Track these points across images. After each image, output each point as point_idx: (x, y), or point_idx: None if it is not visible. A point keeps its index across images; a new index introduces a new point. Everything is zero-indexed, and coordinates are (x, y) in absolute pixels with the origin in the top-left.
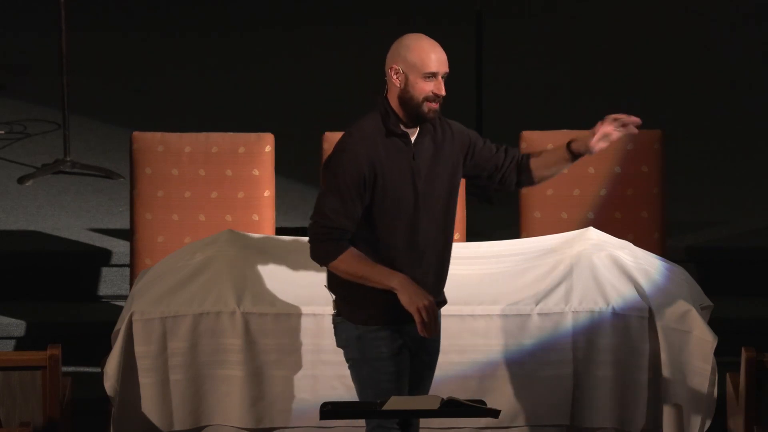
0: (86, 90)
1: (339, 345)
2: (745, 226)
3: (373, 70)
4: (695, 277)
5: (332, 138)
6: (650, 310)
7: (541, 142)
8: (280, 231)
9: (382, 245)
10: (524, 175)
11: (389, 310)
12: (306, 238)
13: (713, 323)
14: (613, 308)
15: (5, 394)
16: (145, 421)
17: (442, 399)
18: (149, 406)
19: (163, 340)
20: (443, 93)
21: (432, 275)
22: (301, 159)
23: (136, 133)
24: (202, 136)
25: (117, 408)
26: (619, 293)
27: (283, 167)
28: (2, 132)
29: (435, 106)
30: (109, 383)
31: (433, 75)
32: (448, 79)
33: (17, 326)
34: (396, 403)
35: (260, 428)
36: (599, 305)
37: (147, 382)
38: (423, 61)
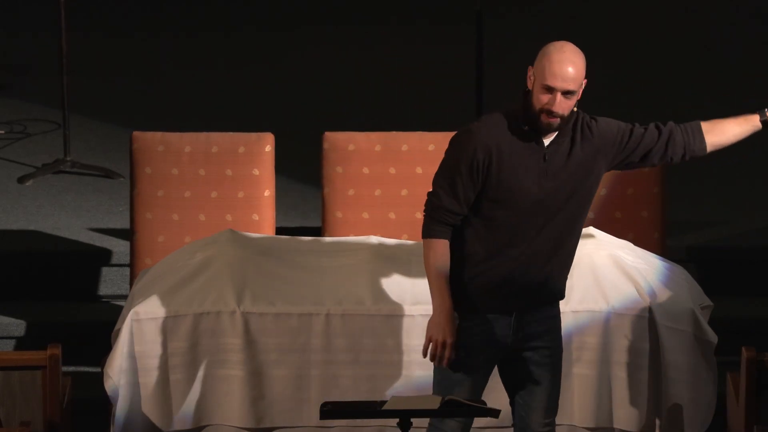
0: (86, 90)
1: None
2: (745, 226)
3: (374, 70)
4: (695, 277)
5: (332, 138)
6: (650, 310)
7: None
8: (280, 231)
9: (487, 235)
10: (695, 143)
11: (475, 299)
12: (307, 238)
13: (713, 323)
14: (613, 308)
15: (5, 394)
16: (145, 421)
17: (442, 399)
18: (149, 406)
19: (163, 340)
20: (555, 109)
21: (536, 278)
22: (301, 159)
23: (136, 133)
24: (203, 135)
25: (117, 408)
26: (619, 293)
27: (283, 167)
28: (2, 132)
29: (552, 120)
30: (109, 383)
31: (552, 89)
32: (450, 79)
33: (17, 326)
34: (396, 402)
35: (260, 428)
36: (599, 305)
37: (147, 382)
38: (546, 73)
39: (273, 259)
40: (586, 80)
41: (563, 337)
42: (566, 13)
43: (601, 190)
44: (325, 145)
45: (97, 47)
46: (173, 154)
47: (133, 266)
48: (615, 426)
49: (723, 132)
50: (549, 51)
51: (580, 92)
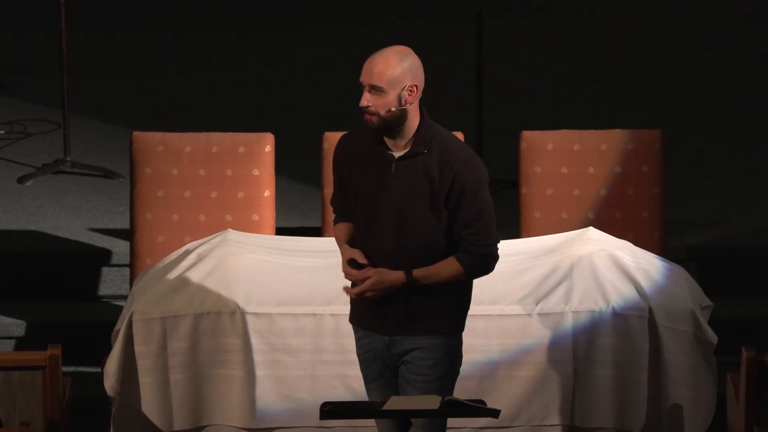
0: (86, 90)
1: None
2: (745, 226)
3: None
4: (695, 277)
5: (332, 138)
6: (650, 310)
7: (541, 142)
8: (280, 231)
9: (358, 235)
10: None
11: (359, 312)
12: (306, 238)
13: (713, 323)
14: (613, 308)
15: (5, 394)
16: (145, 421)
17: (442, 398)
18: (149, 406)
19: (163, 340)
20: (361, 104)
21: (396, 303)
22: (301, 159)
23: (136, 133)
24: (202, 136)
25: (117, 408)
26: (619, 293)
27: (283, 167)
28: (2, 132)
29: (368, 117)
30: (109, 383)
31: (362, 85)
32: (448, 78)
33: (17, 326)
34: (396, 402)
35: (260, 428)
36: (599, 305)
37: (147, 382)
38: (362, 71)
39: (273, 259)
40: (416, 85)
41: (563, 337)
42: (566, 13)
43: (601, 191)
44: (325, 145)
45: (97, 47)
46: (173, 154)
47: (133, 266)
48: (615, 426)
49: None
50: None
51: (405, 95)
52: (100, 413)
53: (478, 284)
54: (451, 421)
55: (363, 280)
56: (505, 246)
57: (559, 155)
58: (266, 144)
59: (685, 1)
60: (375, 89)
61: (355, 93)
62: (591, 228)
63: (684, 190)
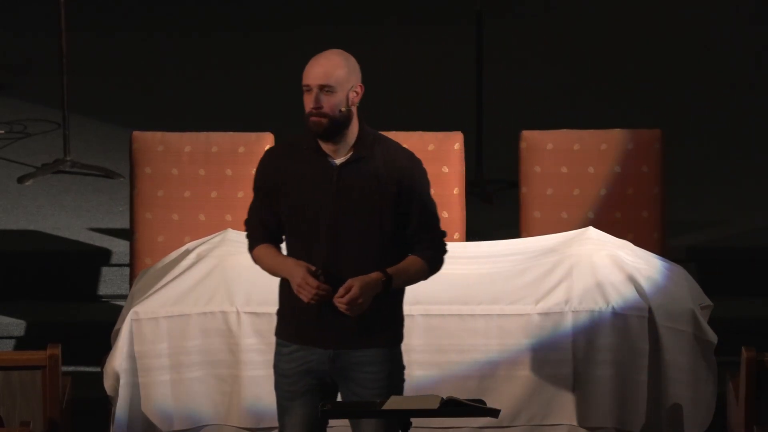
0: (86, 90)
1: None
2: (745, 226)
3: (373, 70)
4: (695, 277)
5: None
6: (650, 310)
7: (541, 142)
8: None
9: (292, 251)
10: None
11: (294, 327)
12: None
13: (713, 323)
14: (613, 308)
15: (5, 394)
16: (145, 421)
17: (442, 399)
18: (149, 406)
19: (163, 340)
20: (314, 105)
21: (340, 314)
22: None
23: (136, 133)
24: (202, 135)
25: (117, 408)
26: (619, 293)
27: None
28: (2, 132)
29: (318, 119)
30: (109, 383)
31: (308, 87)
32: (448, 78)
33: (17, 326)
34: (396, 402)
35: (260, 428)
36: (599, 305)
37: (147, 382)
38: (303, 76)
39: None
40: (362, 86)
41: (563, 337)
42: (566, 13)
43: (601, 191)
44: None
45: (97, 47)
46: (173, 154)
47: (133, 266)
48: (615, 426)
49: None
50: None
51: (353, 96)
52: (100, 413)
53: (479, 284)
54: (451, 421)
55: (326, 291)
56: (504, 246)
57: (559, 155)
58: (266, 144)
59: (685, 1)
60: (325, 89)
61: None
62: (591, 228)
63: (684, 190)
